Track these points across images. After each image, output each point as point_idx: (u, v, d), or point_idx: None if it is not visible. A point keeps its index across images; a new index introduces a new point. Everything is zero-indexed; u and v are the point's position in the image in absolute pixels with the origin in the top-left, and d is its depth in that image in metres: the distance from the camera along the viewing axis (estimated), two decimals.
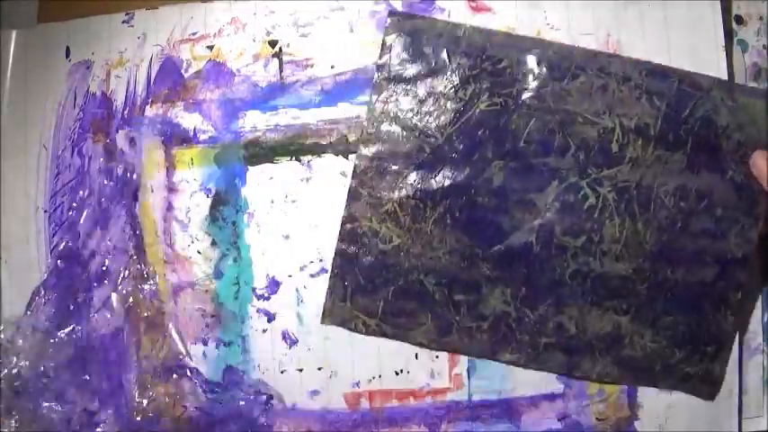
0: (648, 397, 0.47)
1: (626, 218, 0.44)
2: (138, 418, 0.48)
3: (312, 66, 0.49)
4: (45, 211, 0.50)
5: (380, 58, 0.46)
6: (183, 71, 0.50)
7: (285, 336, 0.48)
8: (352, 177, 0.45)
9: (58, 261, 0.50)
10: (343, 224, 0.45)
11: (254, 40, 0.50)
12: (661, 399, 0.47)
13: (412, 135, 0.45)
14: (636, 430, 0.47)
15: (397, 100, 0.46)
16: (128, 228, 0.49)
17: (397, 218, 0.45)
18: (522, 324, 0.45)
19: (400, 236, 0.45)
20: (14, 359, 0.48)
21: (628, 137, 0.44)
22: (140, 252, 0.49)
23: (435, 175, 0.45)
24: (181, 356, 0.48)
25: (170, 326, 0.48)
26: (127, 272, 0.49)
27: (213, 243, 0.49)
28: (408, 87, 0.45)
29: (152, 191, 0.49)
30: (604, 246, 0.44)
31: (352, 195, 0.45)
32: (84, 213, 0.50)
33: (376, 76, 0.46)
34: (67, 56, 0.51)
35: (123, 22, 0.51)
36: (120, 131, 0.50)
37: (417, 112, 0.45)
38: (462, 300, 0.45)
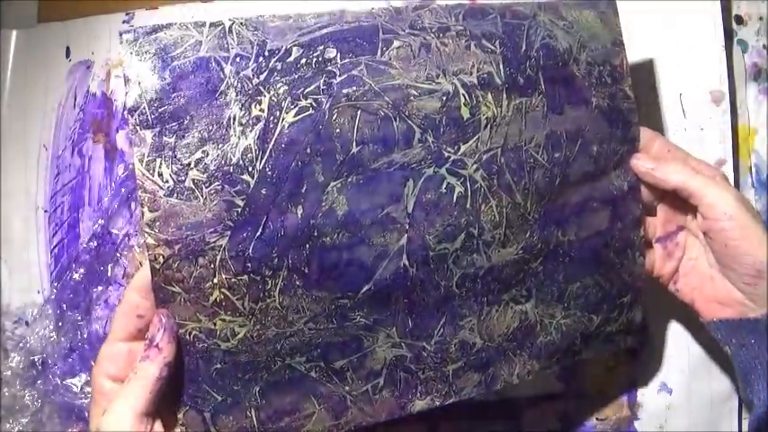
0: (648, 397, 0.47)
1: (502, 195, 0.37)
2: None
3: None
4: (45, 211, 0.50)
5: (128, 98, 0.32)
6: None
7: None
8: (153, 276, 0.32)
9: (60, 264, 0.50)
10: None
11: None
12: (661, 398, 0.47)
13: (211, 189, 0.32)
14: (636, 430, 0.47)
15: (172, 149, 0.32)
16: (128, 228, 0.49)
17: (232, 305, 0.33)
18: (422, 360, 0.37)
19: (244, 324, 0.33)
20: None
21: (475, 95, 0.36)
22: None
23: (262, 231, 0.33)
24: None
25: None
26: (127, 272, 0.49)
27: None
28: (182, 124, 0.32)
29: None
30: (486, 235, 0.36)
31: (162, 299, 0.32)
32: (85, 214, 0.50)
33: (131, 124, 0.32)
34: (67, 56, 0.51)
35: (123, 22, 0.51)
36: (120, 131, 0.50)
37: (206, 156, 0.32)
38: (345, 365, 0.35)
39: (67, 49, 0.51)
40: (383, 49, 0.35)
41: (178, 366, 0.33)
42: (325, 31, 0.34)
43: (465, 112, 0.36)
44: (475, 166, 0.36)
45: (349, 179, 0.34)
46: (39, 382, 0.48)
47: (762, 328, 0.37)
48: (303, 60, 0.34)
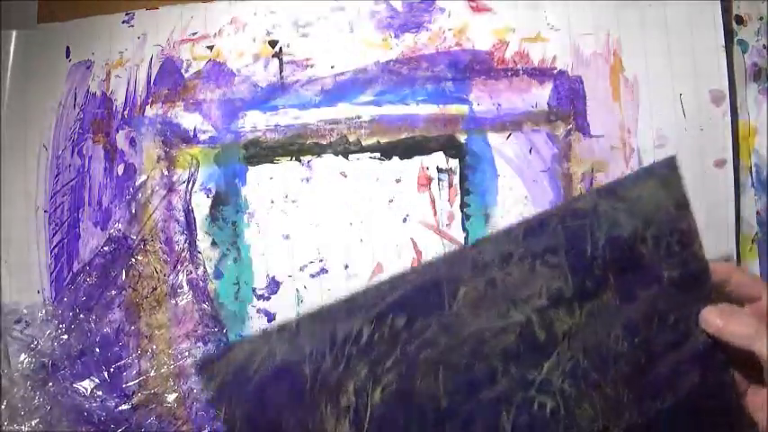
0: None
1: (592, 394, 0.37)
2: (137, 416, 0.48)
3: (312, 66, 0.49)
4: (45, 212, 0.50)
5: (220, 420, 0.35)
6: (183, 71, 0.50)
7: None
8: None
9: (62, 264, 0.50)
10: None
11: (254, 40, 0.50)
12: None
13: None
14: None
15: None
16: (128, 228, 0.49)
17: None
18: None
19: None
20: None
21: (548, 317, 0.36)
22: (140, 252, 0.49)
23: None
24: (181, 356, 0.48)
25: (170, 326, 0.49)
26: (127, 272, 0.49)
27: (213, 243, 0.49)
28: (279, 429, 0.34)
29: (152, 191, 0.49)
30: (585, 430, 0.37)
31: None
32: (85, 214, 0.50)
33: None
34: (67, 56, 0.51)
35: (123, 22, 0.51)
36: (120, 131, 0.50)
37: None
38: None
39: (67, 49, 0.51)
40: (450, 300, 0.36)
41: None
42: (390, 299, 0.35)
43: (541, 335, 0.36)
44: (561, 379, 0.36)
45: (446, 425, 0.35)
46: (49, 384, 0.48)
47: None
48: (376, 337, 0.35)
